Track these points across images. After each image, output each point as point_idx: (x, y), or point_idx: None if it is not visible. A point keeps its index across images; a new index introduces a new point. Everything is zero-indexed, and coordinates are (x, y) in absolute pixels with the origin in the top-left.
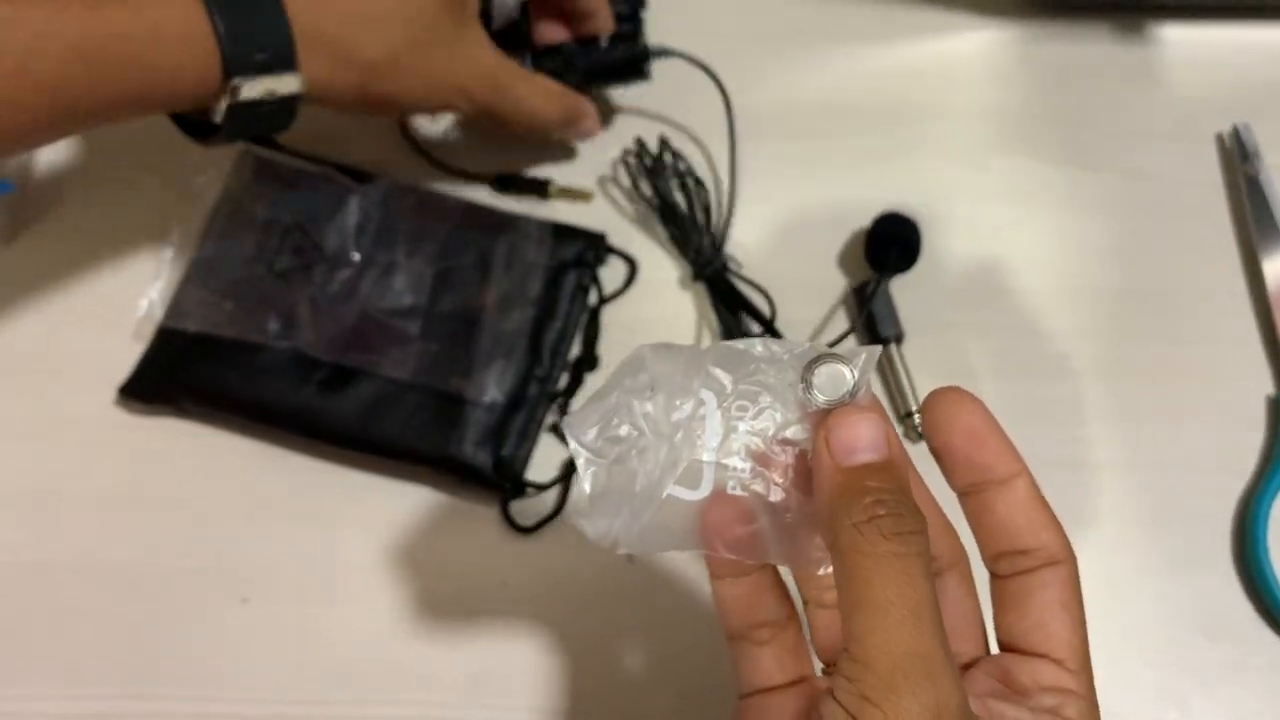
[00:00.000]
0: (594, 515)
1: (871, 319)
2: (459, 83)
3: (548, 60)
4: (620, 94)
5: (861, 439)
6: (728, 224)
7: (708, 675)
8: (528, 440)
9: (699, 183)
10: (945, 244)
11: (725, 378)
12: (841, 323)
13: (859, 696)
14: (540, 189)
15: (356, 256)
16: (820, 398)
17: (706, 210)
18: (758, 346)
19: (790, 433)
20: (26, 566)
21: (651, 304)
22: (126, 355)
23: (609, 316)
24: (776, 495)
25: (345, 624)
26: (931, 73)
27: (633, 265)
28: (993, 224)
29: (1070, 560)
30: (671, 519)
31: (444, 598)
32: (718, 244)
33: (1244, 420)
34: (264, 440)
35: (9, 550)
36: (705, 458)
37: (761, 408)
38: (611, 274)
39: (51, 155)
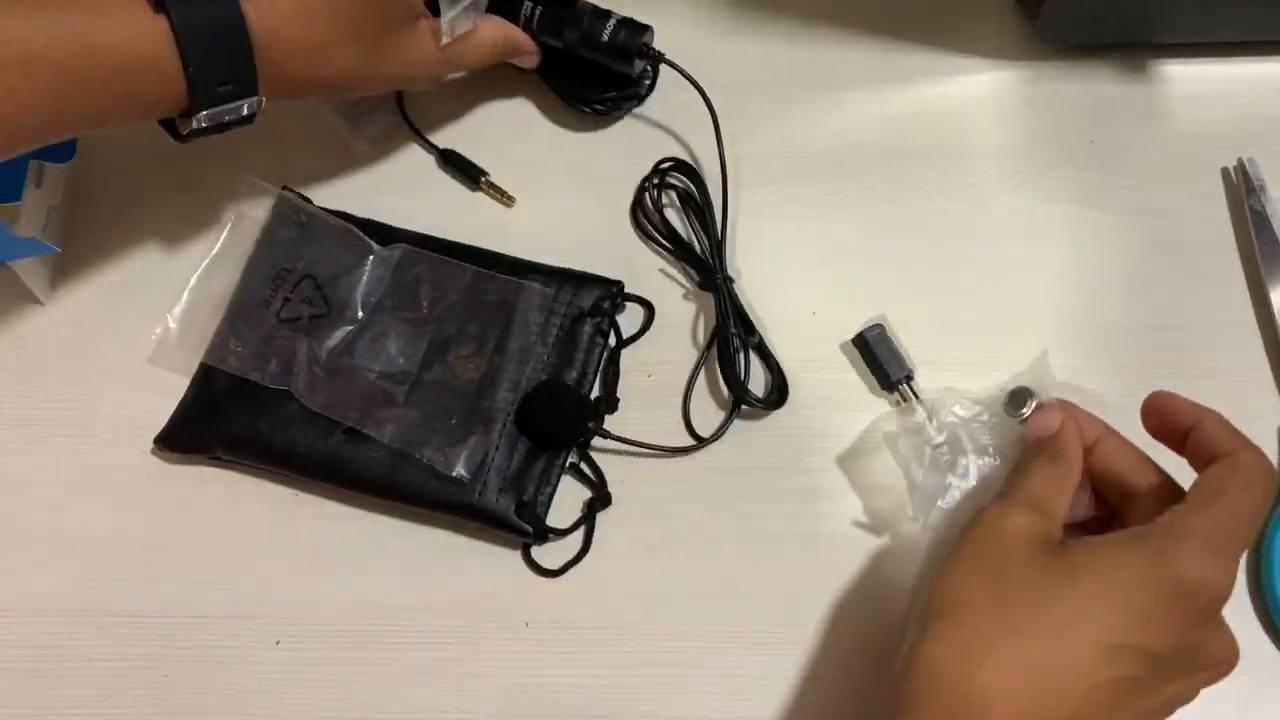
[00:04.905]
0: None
1: (879, 365)
2: (409, 74)
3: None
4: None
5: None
6: (723, 237)
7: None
8: (549, 484)
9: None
10: (954, 282)
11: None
12: (843, 363)
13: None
14: (473, 176)
15: (360, 314)
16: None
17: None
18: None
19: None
20: (64, 614)
21: (669, 346)
22: (160, 406)
23: (628, 360)
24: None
25: (375, 666)
26: (939, 114)
27: (650, 309)
28: (1001, 262)
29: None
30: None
31: (468, 639)
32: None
33: None
34: (294, 486)
35: (47, 598)
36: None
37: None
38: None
39: (89, 211)
